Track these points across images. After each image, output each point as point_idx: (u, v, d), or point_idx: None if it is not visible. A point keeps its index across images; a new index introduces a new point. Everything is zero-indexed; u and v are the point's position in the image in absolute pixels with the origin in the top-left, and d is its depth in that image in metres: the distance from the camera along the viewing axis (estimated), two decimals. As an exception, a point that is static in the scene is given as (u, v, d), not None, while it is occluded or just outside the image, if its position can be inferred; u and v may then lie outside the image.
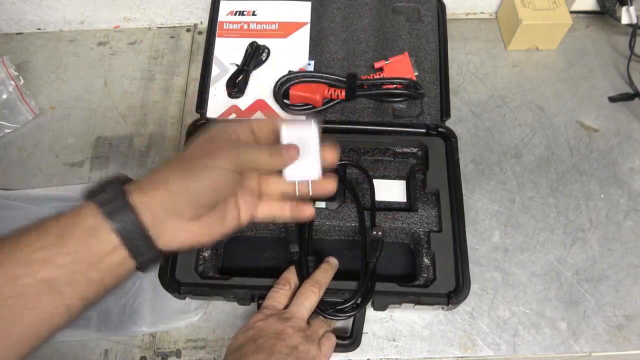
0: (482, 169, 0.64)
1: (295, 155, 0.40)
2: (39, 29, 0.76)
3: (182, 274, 0.52)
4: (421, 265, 0.54)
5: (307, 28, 0.68)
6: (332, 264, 0.52)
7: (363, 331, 0.52)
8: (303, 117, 0.63)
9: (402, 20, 0.68)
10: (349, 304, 0.50)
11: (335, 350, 0.49)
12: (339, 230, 0.56)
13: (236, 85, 0.64)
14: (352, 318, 0.52)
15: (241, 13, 0.69)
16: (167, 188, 0.35)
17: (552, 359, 0.54)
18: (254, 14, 0.69)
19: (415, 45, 0.66)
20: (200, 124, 0.60)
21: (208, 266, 0.54)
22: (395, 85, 0.62)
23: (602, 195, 0.62)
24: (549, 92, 0.69)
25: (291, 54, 0.66)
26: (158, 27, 0.76)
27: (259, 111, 0.63)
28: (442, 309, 0.53)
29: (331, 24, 0.68)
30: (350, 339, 0.51)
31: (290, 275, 0.50)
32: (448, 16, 0.68)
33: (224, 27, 0.68)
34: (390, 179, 0.60)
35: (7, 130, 0.67)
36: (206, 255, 0.54)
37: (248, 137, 0.40)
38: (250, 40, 0.66)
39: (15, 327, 0.31)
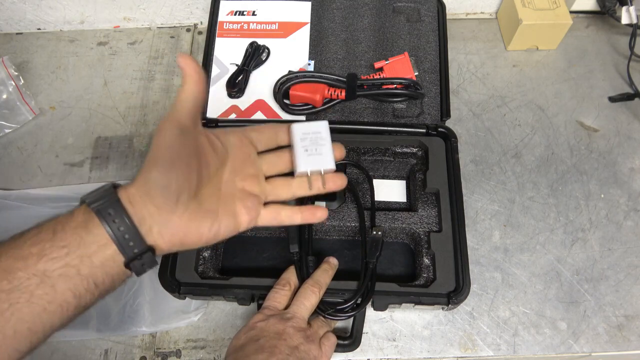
0: (482, 169, 0.64)
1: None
2: (39, 29, 0.76)
3: (182, 274, 0.52)
4: (421, 265, 0.54)
5: (307, 28, 0.68)
6: (332, 264, 0.52)
7: (363, 331, 0.52)
8: (303, 117, 0.63)
9: (402, 20, 0.68)
10: (349, 304, 0.50)
11: (336, 350, 0.49)
12: (339, 230, 0.56)
13: (236, 85, 0.64)
14: (352, 318, 0.52)
15: (241, 13, 0.69)
16: (142, 176, 0.36)
17: (552, 359, 0.54)
18: (254, 14, 0.68)
19: (415, 45, 0.66)
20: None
21: (208, 266, 0.54)
22: (395, 85, 0.62)
23: (602, 195, 0.62)
24: (549, 92, 0.69)
25: (291, 54, 0.66)
26: (158, 27, 0.76)
27: (259, 111, 0.63)
28: (442, 309, 0.53)
29: (331, 24, 0.68)
30: (350, 339, 0.51)
31: (290, 275, 0.50)
32: (448, 16, 0.68)
33: (224, 27, 0.68)
34: (390, 179, 0.60)
35: (7, 130, 0.67)
36: (206, 255, 0.54)
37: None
38: (250, 40, 0.66)
39: (8, 321, 0.32)
